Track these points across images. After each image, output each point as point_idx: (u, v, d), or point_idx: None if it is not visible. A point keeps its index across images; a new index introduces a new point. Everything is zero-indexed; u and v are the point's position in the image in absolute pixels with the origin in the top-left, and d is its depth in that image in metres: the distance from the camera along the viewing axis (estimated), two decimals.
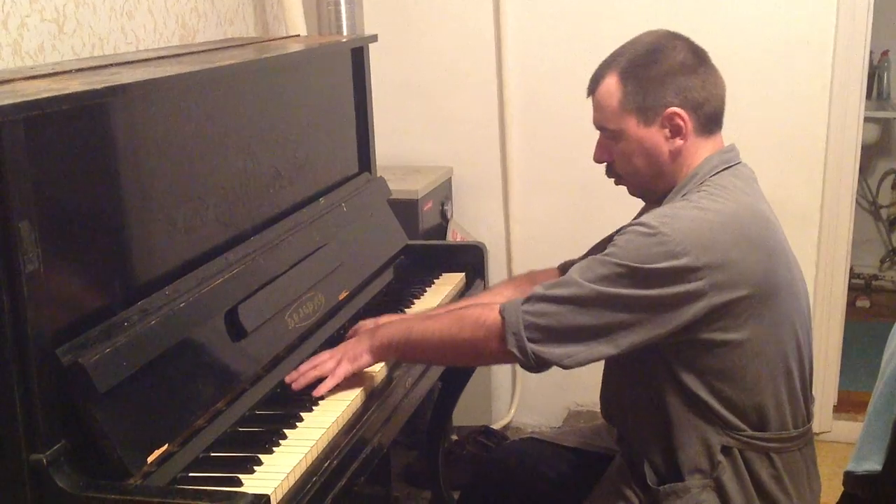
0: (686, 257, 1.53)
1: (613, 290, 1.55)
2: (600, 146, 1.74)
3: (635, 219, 1.70)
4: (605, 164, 1.76)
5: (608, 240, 1.90)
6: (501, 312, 1.62)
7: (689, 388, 1.62)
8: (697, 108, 1.66)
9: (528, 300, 1.61)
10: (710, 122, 1.68)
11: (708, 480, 1.65)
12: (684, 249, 1.53)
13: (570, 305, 1.57)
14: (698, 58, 1.67)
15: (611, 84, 1.68)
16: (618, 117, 1.68)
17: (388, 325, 1.84)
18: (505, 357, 1.63)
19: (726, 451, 1.64)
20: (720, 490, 1.64)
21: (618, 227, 1.69)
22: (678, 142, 1.66)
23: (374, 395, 1.83)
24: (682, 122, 1.65)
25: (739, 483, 1.65)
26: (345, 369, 1.79)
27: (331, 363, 1.80)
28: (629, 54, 1.69)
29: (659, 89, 1.64)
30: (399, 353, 1.82)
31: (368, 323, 1.97)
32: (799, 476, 1.70)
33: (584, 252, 1.95)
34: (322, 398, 1.76)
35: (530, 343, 1.59)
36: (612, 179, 1.78)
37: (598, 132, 1.75)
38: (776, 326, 1.63)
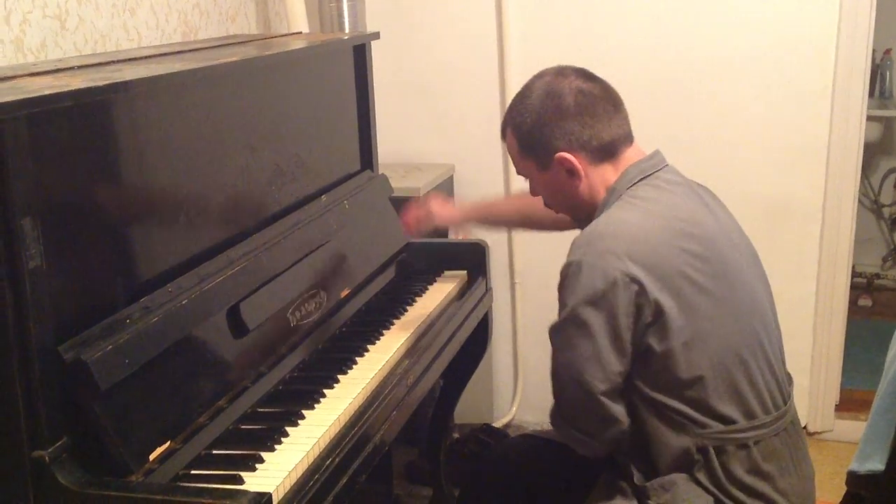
0: (614, 273, 1.58)
1: (584, 345, 1.62)
2: (529, 184, 1.87)
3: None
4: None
5: None
6: (559, 429, 1.74)
7: (650, 396, 1.65)
8: (585, 146, 1.73)
9: (559, 407, 1.72)
10: (606, 150, 1.75)
11: (690, 475, 1.66)
12: (609, 268, 1.59)
13: (575, 390, 1.65)
14: (579, 99, 1.73)
15: (509, 136, 1.82)
16: (521, 163, 1.82)
17: None
18: (596, 454, 1.75)
19: (702, 451, 1.66)
20: (700, 484, 1.66)
21: None
22: (576, 181, 1.75)
23: (376, 393, 1.83)
24: (572, 165, 1.73)
25: (713, 482, 1.66)
26: None
27: None
28: (520, 107, 1.79)
29: (544, 139, 1.74)
30: None
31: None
32: (781, 461, 1.70)
33: None
34: (324, 395, 1.76)
35: (593, 438, 1.69)
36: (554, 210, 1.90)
37: None
38: (715, 319, 1.64)
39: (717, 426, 1.65)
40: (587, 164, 1.74)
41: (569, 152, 1.73)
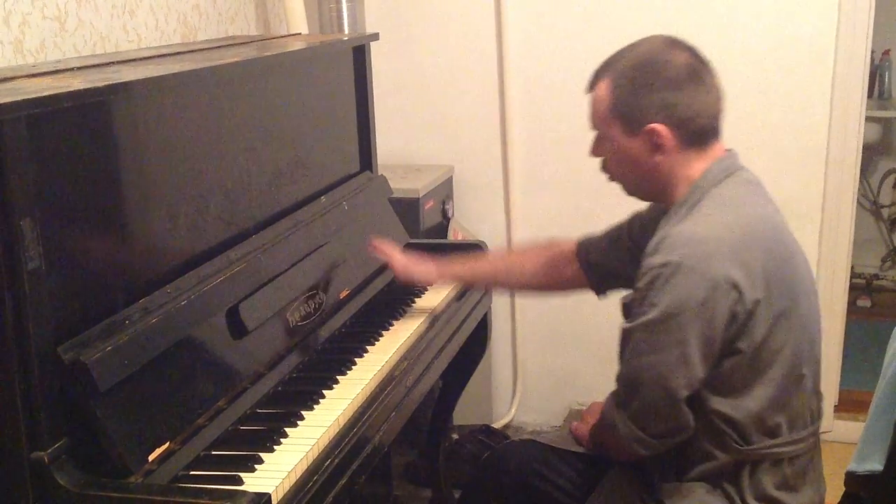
0: (716, 280, 1.54)
1: (674, 352, 1.57)
2: (594, 143, 1.77)
3: (652, 213, 1.75)
4: (601, 161, 1.78)
5: (628, 231, 1.97)
6: (612, 426, 1.68)
7: (712, 407, 1.63)
8: (682, 125, 1.65)
9: (624, 405, 1.66)
10: (700, 136, 1.68)
11: (712, 486, 1.66)
12: (712, 273, 1.55)
13: (654, 392, 1.61)
14: (690, 73, 1.66)
15: (603, 88, 1.70)
16: (605, 122, 1.70)
17: None
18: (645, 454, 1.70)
19: (738, 465, 1.66)
20: (726, 496, 1.66)
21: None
22: (658, 157, 1.67)
23: (375, 394, 1.83)
24: (662, 140, 1.65)
25: (740, 495, 1.66)
26: None
27: None
28: (625, 61, 1.69)
29: (644, 103, 1.65)
30: None
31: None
32: (806, 476, 1.71)
33: (602, 233, 2.05)
34: (323, 396, 1.76)
35: (657, 440, 1.65)
36: (607, 176, 1.80)
37: None
38: (792, 328, 1.63)
39: (762, 441, 1.65)
40: (676, 144, 1.65)
41: (664, 126, 1.64)
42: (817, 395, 1.74)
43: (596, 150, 1.77)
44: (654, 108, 1.64)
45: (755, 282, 1.57)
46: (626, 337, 1.64)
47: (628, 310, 1.69)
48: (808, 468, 1.72)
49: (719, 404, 1.63)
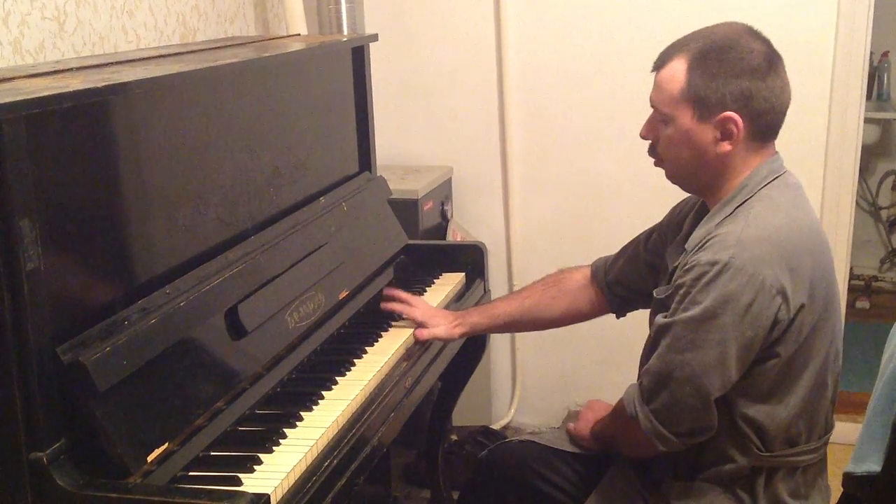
0: (765, 284, 1.53)
1: (713, 351, 1.55)
2: (649, 123, 1.70)
3: (671, 224, 1.75)
4: (649, 143, 1.72)
5: (645, 244, 1.94)
6: (632, 417, 1.65)
7: (742, 412, 1.63)
8: (756, 117, 1.61)
9: (649, 399, 1.63)
10: (767, 131, 1.65)
11: (724, 491, 1.67)
12: (761, 277, 1.53)
13: (685, 388, 1.58)
14: (770, 64, 1.62)
15: (677, 68, 1.62)
16: (674, 103, 1.62)
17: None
18: (656, 452, 1.68)
19: (754, 470, 1.66)
20: (736, 499, 1.66)
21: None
22: (726, 146, 1.62)
23: (374, 395, 1.83)
24: (735, 129, 1.60)
25: (752, 497, 1.66)
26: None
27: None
28: (704, 42, 1.63)
29: (723, 89, 1.59)
30: None
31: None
32: (815, 486, 1.73)
33: (618, 251, 2.02)
34: (322, 397, 1.76)
35: (680, 438, 1.63)
36: (653, 160, 1.73)
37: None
38: (824, 339, 1.63)
39: (783, 449, 1.65)
40: (745, 136, 1.61)
41: (739, 115, 1.59)
42: (833, 404, 1.74)
43: (649, 131, 1.70)
44: (733, 95, 1.58)
45: (801, 288, 1.56)
46: (664, 331, 1.60)
47: (663, 305, 1.66)
48: (818, 477, 1.73)
49: (749, 409, 1.62)
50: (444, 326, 2.10)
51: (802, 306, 1.57)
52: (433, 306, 2.18)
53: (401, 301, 2.15)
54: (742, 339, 1.54)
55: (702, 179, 1.67)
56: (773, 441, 1.64)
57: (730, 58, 1.59)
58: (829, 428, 1.74)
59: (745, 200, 1.62)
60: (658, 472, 1.75)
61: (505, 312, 2.12)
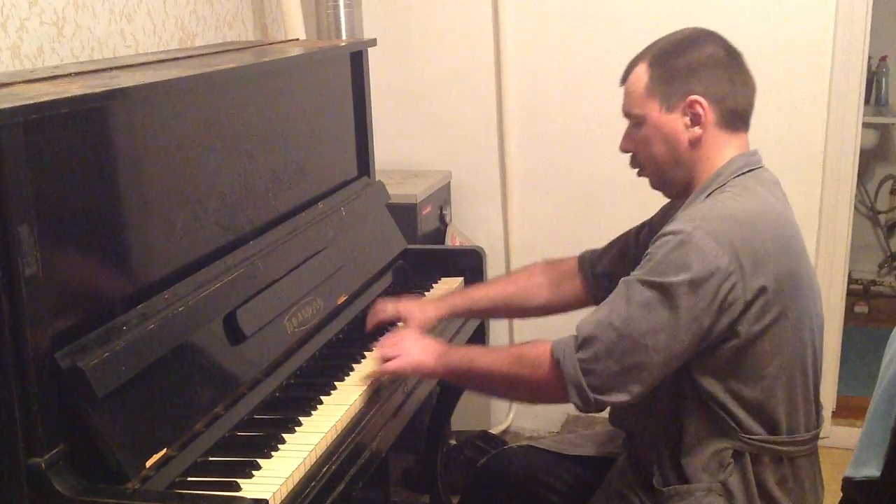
0: (722, 259, 1.55)
1: (662, 314, 1.56)
2: (626, 136, 1.77)
3: (662, 219, 1.72)
4: (630, 155, 1.78)
5: (636, 238, 1.95)
6: (557, 361, 1.62)
7: (707, 390, 1.63)
8: (720, 101, 1.67)
9: (581, 346, 1.61)
10: (733, 118, 1.69)
11: (714, 483, 1.66)
12: (720, 252, 1.55)
13: (622, 344, 1.58)
14: (730, 55, 1.70)
15: (640, 71, 1.71)
16: (642, 101, 1.70)
17: (455, 352, 1.84)
18: (566, 402, 1.65)
19: (737, 455, 1.65)
20: (725, 493, 1.65)
21: (627, 226, 1.70)
22: (696, 131, 1.67)
23: (373, 400, 1.83)
24: (701, 111, 1.66)
25: (745, 487, 1.65)
26: (400, 369, 1.83)
27: (394, 351, 1.84)
28: (661, 44, 1.73)
29: (684, 77, 1.67)
30: (457, 380, 1.87)
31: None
32: (804, 482, 1.71)
33: (607, 244, 2.01)
34: (321, 402, 1.76)
35: (593, 393, 1.60)
36: (636, 171, 1.79)
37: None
38: (795, 326, 1.64)
39: (761, 433, 1.65)
40: (713, 119, 1.67)
41: (703, 98, 1.66)
42: (817, 402, 1.74)
43: (627, 142, 1.76)
44: (694, 80, 1.66)
45: (762, 270, 1.58)
46: (620, 286, 1.62)
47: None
48: (808, 474, 1.72)
49: (711, 385, 1.63)
50: (416, 312, 2.09)
51: (764, 289, 1.58)
52: (407, 302, 2.16)
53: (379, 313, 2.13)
54: (694, 309, 1.55)
55: (681, 175, 1.72)
56: (747, 422, 1.64)
57: (689, 52, 1.69)
58: (816, 424, 1.74)
59: (719, 187, 1.67)
60: (649, 473, 1.74)
61: (486, 297, 2.14)
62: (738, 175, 1.67)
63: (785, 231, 1.66)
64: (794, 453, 1.69)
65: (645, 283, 1.58)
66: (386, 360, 1.83)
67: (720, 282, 1.55)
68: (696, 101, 1.66)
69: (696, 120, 1.67)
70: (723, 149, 1.69)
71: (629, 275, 1.64)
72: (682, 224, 1.59)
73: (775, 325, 1.61)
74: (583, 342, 1.61)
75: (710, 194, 1.66)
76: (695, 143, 1.68)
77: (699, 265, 1.54)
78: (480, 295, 2.15)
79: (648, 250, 1.63)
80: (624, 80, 1.76)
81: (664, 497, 1.67)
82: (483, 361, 1.75)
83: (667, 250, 1.58)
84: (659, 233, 1.63)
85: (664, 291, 1.56)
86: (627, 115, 1.75)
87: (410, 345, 1.84)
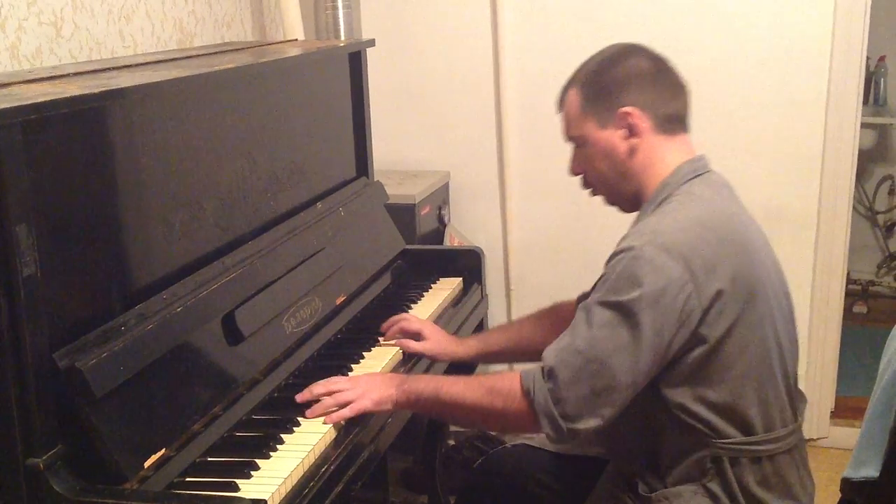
0: (675, 270, 1.56)
1: (624, 332, 1.56)
2: (573, 159, 1.80)
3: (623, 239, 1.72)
4: (580, 177, 1.81)
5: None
6: (527, 391, 1.62)
7: (676, 401, 1.63)
8: (651, 108, 1.70)
9: (548, 376, 1.61)
10: (668, 121, 1.72)
11: (698, 487, 1.66)
12: (671, 264, 1.56)
13: (589, 368, 1.58)
14: (654, 64, 1.73)
15: (572, 95, 1.76)
16: (579, 123, 1.75)
17: (418, 379, 1.80)
18: (538, 432, 1.64)
19: (716, 461, 1.65)
20: (710, 495, 1.66)
21: (625, 226, 1.71)
22: (634, 140, 1.70)
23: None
24: (635, 121, 1.69)
25: (727, 491, 1.66)
26: (363, 407, 1.74)
27: (350, 394, 1.75)
28: (588, 66, 1.77)
29: (613, 92, 1.71)
30: (424, 409, 1.81)
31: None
32: (788, 478, 1.71)
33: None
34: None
35: (565, 422, 1.60)
36: (589, 192, 1.83)
37: None
38: (756, 324, 1.64)
39: (736, 436, 1.65)
40: (648, 126, 1.70)
41: (635, 108, 1.70)
42: (793, 396, 1.74)
43: (575, 165, 1.80)
44: (623, 93, 1.70)
45: (717, 274, 1.58)
46: (580, 312, 1.63)
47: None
48: (792, 470, 1.72)
49: (683, 397, 1.63)
50: (436, 341, 2.07)
51: (720, 292, 1.59)
52: (433, 323, 2.14)
53: (396, 321, 2.11)
54: (655, 324, 1.56)
55: (629, 187, 1.74)
56: (720, 427, 1.64)
57: (614, 68, 1.73)
58: (793, 419, 1.73)
59: (667, 197, 1.68)
60: (629, 475, 1.74)
61: (499, 342, 2.12)
62: (685, 182, 1.69)
63: (736, 230, 1.67)
64: (773, 451, 1.69)
65: (603, 304, 1.59)
66: (341, 405, 1.74)
67: (676, 293, 1.56)
68: (627, 113, 1.69)
69: (632, 130, 1.70)
70: (665, 154, 1.72)
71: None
72: (632, 240, 1.61)
73: (736, 327, 1.61)
74: (549, 371, 1.61)
75: (658, 206, 1.68)
76: (634, 152, 1.71)
77: (653, 279, 1.56)
78: (493, 340, 2.13)
79: (604, 271, 1.64)
80: (559, 107, 1.81)
81: (652, 501, 1.68)
82: (451, 391, 1.72)
83: (620, 269, 1.59)
84: (613, 252, 1.65)
85: (622, 310, 1.57)
86: (569, 139, 1.79)
87: (366, 382, 1.79)
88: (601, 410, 1.59)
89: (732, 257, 1.62)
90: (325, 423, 1.69)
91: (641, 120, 1.69)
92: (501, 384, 1.67)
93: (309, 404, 1.74)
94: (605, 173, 1.75)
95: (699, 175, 1.71)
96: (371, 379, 1.80)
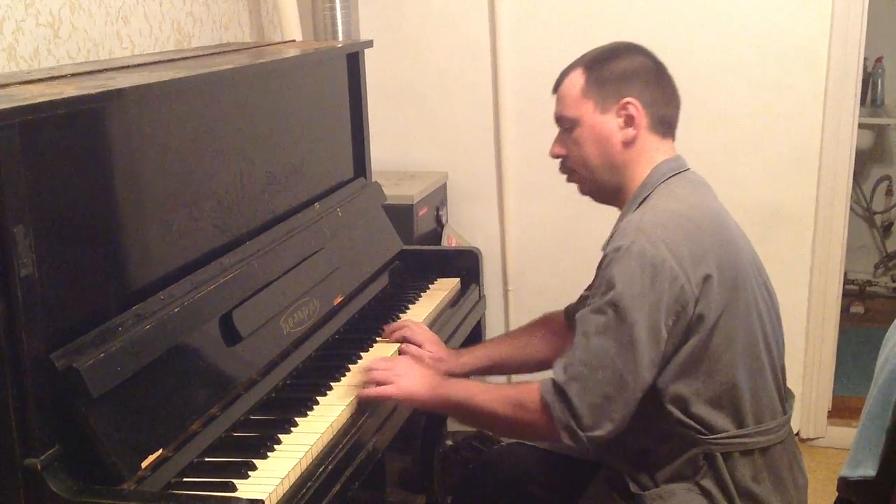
0: (666, 263, 1.58)
1: (622, 331, 1.58)
2: (557, 141, 1.81)
3: (609, 240, 1.74)
4: (560, 160, 1.82)
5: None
6: (546, 407, 1.63)
7: (669, 395, 1.64)
8: (651, 106, 1.73)
9: (560, 392, 1.62)
10: (662, 124, 1.75)
11: (691, 485, 1.67)
12: (660, 256, 1.58)
13: (596, 376, 1.59)
14: (658, 67, 1.76)
15: (575, 76, 1.77)
16: (577, 103, 1.75)
17: (451, 385, 1.80)
18: (560, 441, 1.65)
19: (708, 458, 1.66)
20: (704, 493, 1.66)
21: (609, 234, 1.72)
22: (630, 132, 1.72)
23: (369, 400, 1.82)
24: (635, 113, 1.71)
25: (720, 487, 1.67)
26: (389, 393, 1.77)
27: (382, 374, 1.78)
28: (594, 53, 1.79)
29: (618, 81, 1.73)
30: (452, 411, 1.83)
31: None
32: (781, 472, 1.72)
33: (582, 293, 1.97)
34: (317, 402, 1.76)
35: (584, 432, 1.61)
36: (565, 176, 1.84)
37: None
38: (743, 315, 1.66)
39: (729, 429, 1.66)
40: (646, 124, 1.72)
41: (638, 101, 1.71)
42: (780, 390, 1.76)
43: (559, 147, 1.80)
44: (629, 84, 1.72)
45: (704, 262, 1.61)
46: (580, 322, 1.64)
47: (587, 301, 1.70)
48: (783, 463, 1.73)
49: (676, 391, 1.64)
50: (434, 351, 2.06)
51: (708, 276, 1.61)
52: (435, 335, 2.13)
53: (399, 328, 2.11)
54: (650, 320, 1.58)
55: (612, 179, 1.76)
56: (713, 420, 1.65)
57: (621, 60, 1.75)
58: (782, 411, 1.75)
59: (647, 195, 1.71)
60: (621, 476, 1.75)
61: (492, 356, 2.11)
62: (665, 180, 1.72)
63: (717, 223, 1.69)
64: (764, 444, 1.70)
65: (597, 310, 1.61)
66: (377, 383, 1.79)
67: (667, 284, 1.58)
68: (630, 103, 1.71)
69: (629, 121, 1.72)
70: (654, 153, 1.74)
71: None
72: (619, 240, 1.63)
73: (724, 316, 1.63)
74: (561, 388, 1.62)
75: (639, 204, 1.70)
76: (628, 144, 1.73)
77: (644, 274, 1.58)
78: (488, 352, 2.13)
79: (596, 275, 1.67)
80: (557, 87, 1.80)
81: (645, 499, 1.69)
82: (482, 399, 1.73)
83: (610, 271, 1.61)
84: (603, 255, 1.67)
85: (616, 308, 1.58)
86: (560, 119, 1.79)
87: (404, 371, 1.81)
88: (614, 414, 1.60)
89: (717, 247, 1.64)
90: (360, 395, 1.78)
91: (641, 114, 1.71)
92: (526, 397, 1.68)
93: (338, 371, 1.83)
94: (592, 159, 1.76)
95: (678, 173, 1.74)
96: (410, 370, 1.82)
